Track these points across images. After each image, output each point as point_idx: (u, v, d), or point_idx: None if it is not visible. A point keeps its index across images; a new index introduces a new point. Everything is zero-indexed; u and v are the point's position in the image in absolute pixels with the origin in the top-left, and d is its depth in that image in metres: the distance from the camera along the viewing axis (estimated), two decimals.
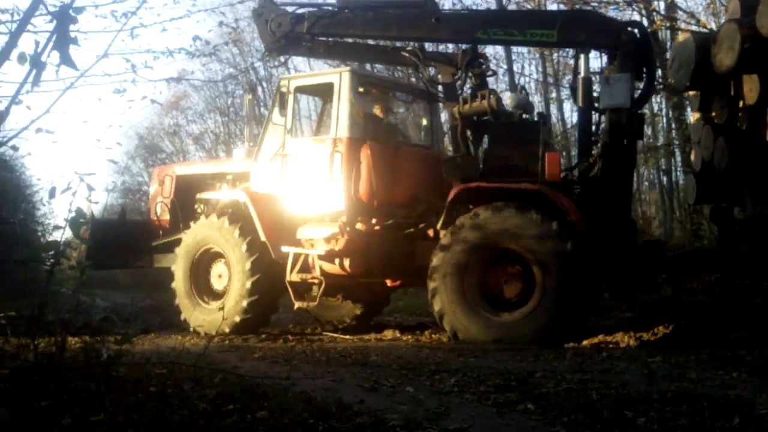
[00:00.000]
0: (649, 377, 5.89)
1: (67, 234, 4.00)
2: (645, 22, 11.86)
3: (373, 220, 9.36)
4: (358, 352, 7.67)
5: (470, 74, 9.48)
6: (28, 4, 2.51)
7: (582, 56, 8.82)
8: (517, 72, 20.15)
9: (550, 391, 5.25)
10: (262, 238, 9.54)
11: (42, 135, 4.27)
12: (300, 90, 10.22)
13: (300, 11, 9.78)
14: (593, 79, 9.13)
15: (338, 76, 9.65)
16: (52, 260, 3.64)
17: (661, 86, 11.89)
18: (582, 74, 8.78)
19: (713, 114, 8.87)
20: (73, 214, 3.53)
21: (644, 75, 8.72)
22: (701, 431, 4.07)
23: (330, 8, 9.65)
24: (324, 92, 10.21)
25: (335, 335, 10.00)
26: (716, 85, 8.65)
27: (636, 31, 8.71)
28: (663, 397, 4.87)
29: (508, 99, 9.22)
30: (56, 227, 4.03)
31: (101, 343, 3.90)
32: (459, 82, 9.74)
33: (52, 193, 3.39)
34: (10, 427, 3.03)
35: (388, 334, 9.87)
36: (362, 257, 9.33)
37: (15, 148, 3.43)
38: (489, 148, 8.98)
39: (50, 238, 4.06)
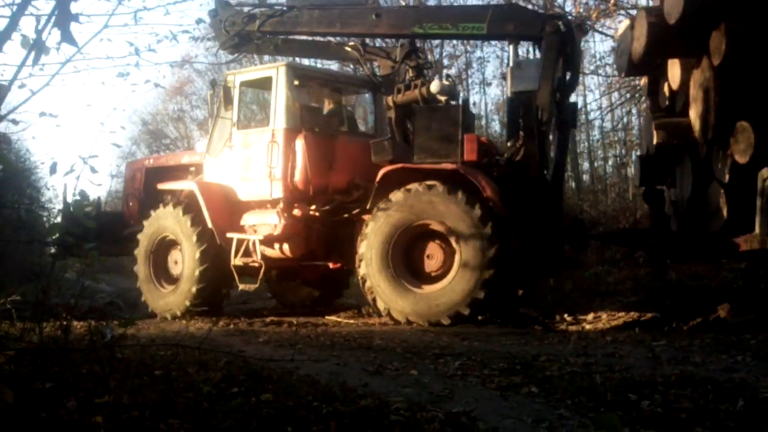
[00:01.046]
0: (654, 361, 5.89)
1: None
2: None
3: (312, 207, 9.95)
4: (362, 336, 7.69)
5: (407, 66, 10.07)
6: None
7: (511, 47, 9.35)
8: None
9: (554, 375, 5.26)
10: (209, 225, 10.15)
11: (46, 119, 4.27)
12: (244, 84, 10.78)
13: (253, 11, 10.31)
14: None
15: (276, 70, 10.23)
16: (55, 241, 3.64)
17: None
18: (511, 64, 9.23)
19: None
20: (77, 197, 3.53)
21: (569, 64, 9.14)
22: (705, 414, 4.06)
23: (279, 7, 10.17)
24: (265, 86, 10.79)
25: (339, 320, 10.03)
26: (660, 72, 8.92)
27: (560, 22, 9.10)
28: (667, 380, 4.87)
29: (432, 86, 9.63)
30: (60, 211, 4.04)
31: (105, 326, 3.90)
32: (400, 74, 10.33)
33: (53, 169, 3.39)
34: (14, 408, 3.04)
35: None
36: (300, 241, 9.97)
37: (15, 122, 3.43)
38: (416, 133, 9.38)
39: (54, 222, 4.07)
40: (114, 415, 3.46)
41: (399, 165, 9.07)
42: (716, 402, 4.28)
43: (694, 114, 8.06)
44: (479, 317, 8.90)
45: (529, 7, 12.24)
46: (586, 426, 3.98)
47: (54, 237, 3.67)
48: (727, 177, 7.68)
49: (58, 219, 3.96)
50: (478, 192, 8.62)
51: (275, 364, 5.30)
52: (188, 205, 10.40)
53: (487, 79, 21.83)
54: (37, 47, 2.11)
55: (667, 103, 8.87)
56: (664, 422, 3.99)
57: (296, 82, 10.29)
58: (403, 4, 10.54)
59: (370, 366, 5.79)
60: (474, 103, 19.59)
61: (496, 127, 21.36)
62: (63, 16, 2.03)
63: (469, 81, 21.01)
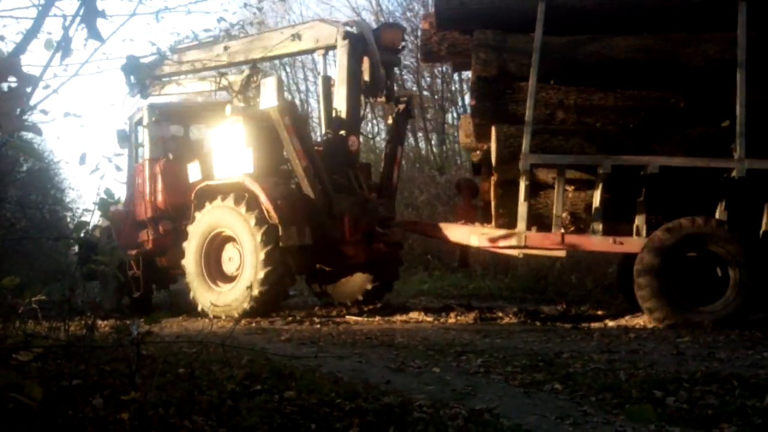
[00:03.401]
0: (678, 357, 5.85)
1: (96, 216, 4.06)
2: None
3: (173, 222, 11.41)
4: (384, 334, 7.70)
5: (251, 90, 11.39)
6: None
7: (320, 58, 10.92)
8: None
9: (578, 371, 5.23)
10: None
11: (70, 119, 4.32)
12: (136, 123, 12.34)
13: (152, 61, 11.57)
14: (331, 78, 10.79)
15: (142, 110, 12.05)
16: (80, 238, 3.68)
17: None
18: (321, 74, 10.73)
19: None
20: (102, 196, 3.56)
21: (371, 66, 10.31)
22: (732, 411, 4.03)
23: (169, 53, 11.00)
24: (141, 123, 12.32)
25: (360, 318, 10.04)
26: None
27: (353, 29, 10.29)
28: (692, 376, 4.83)
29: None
30: (86, 210, 4.09)
31: (131, 324, 3.94)
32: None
33: (82, 159, 3.44)
34: (42, 405, 3.07)
35: (414, 316, 9.89)
36: (169, 252, 11.34)
37: (45, 112, 3.48)
38: (214, 151, 10.75)
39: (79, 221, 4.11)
40: (140, 412, 3.48)
41: (204, 183, 10.56)
42: (742, 398, 4.24)
43: None
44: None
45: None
46: (610, 423, 3.96)
47: (79, 235, 3.71)
48: None
49: (83, 218, 4.01)
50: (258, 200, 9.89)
51: (298, 362, 5.32)
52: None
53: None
54: (63, 46, 2.13)
55: None
56: (690, 419, 3.96)
57: (154, 119, 11.88)
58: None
59: (392, 363, 5.79)
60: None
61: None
62: (89, 13, 2.05)
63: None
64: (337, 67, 10.33)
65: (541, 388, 4.82)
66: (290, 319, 9.62)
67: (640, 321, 8.52)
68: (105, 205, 3.59)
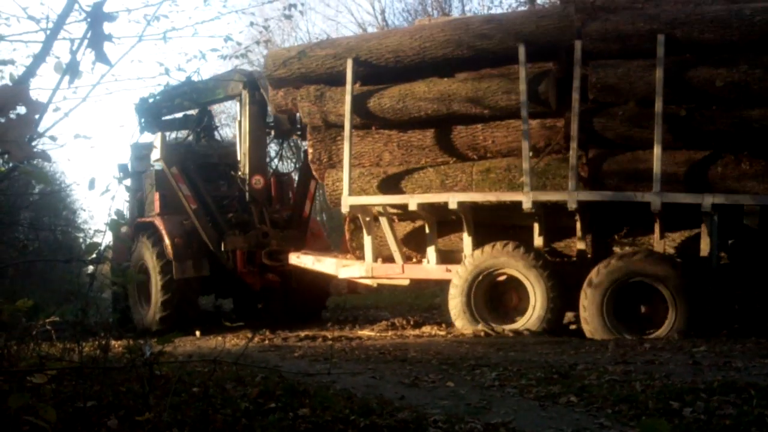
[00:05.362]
0: (694, 367, 5.80)
1: (108, 237, 4.08)
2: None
3: None
4: (397, 349, 7.67)
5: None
6: (60, 9, 2.55)
7: (237, 105, 12.49)
8: None
9: (593, 383, 5.19)
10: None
11: (81, 141, 4.35)
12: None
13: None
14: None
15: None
16: (93, 259, 3.70)
17: None
18: (237, 119, 12.54)
19: None
20: (113, 217, 3.58)
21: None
22: (750, 420, 3.98)
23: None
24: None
25: (372, 333, 10.02)
26: None
27: (244, 80, 11.71)
28: (709, 386, 4.78)
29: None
30: (97, 231, 4.12)
31: (144, 344, 3.94)
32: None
33: (91, 184, 3.46)
34: (57, 427, 3.08)
35: (427, 330, 9.86)
36: None
37: (53, 138, 3.51)
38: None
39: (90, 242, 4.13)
40: None
41: (139, 219, 12.37)
42: (760, 408, 4.19)
43: None
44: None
45: None
46: None
47: (91, 257, 3.73)
48: None
49: (95, 239, 4.04)
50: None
51: (311, 379, 5.30)
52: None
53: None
54: (71, 69, 2.15)
55: None
56: (708, 429, 3.92)
57: (137, 156, 13.23)
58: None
59: (406, 378, 5.77)
60: None
61: None
62: (96, 37, 2.07)
63: None
64: (240, 114, 12.01)
65: (556, 401, 4.79)
66: (303, 335, 9.62)
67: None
68: (116, 225, 3.61)
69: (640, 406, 4.44)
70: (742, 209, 8.17)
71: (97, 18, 2.05)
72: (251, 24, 10.07)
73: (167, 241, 11.23)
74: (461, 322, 9.04)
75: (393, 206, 9.62)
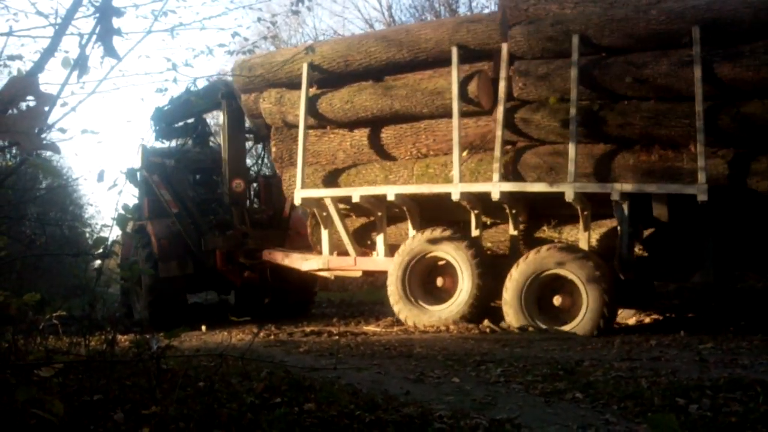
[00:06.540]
0: (701, 364, 5.79)
1: (115, 231, 4.10)
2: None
3: None
4: (403, 345, 7.68)
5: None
6: (68, 3, 2.56)
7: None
8: None
9: (599, 380, 5.19)
10: None
11: (88, 136, 4.36)
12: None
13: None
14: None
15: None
16: (100, 254, 3.72)
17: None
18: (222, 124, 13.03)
19: None
20: (120, 212, 3.59)
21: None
22: (756, 418, 3.97)
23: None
24: None
25: (378, 329, 10.04)
26: None
27: (222, 90, 12.41)
28: (715, 383, 4.77)
29: None
30: (104, 225, 4.15)
31: (151, 338, 3.96)
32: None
33: (100, 177, 3.48)
34: (64, 420, 3.09)
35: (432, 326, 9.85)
36: None
37: (63, 131, 3.53)
38: None
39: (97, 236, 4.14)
40: (160, 426, 3.49)
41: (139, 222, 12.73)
42: (767, 405, 4.18)
43: None
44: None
45: None
46: None
47: (99, 251, 3.74)
48: None
49: (102, 233, 4.08)
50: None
51: (317, 374, 5.31)
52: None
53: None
54: (80, 64, 2.16)
55: None
56: (714, 426, 3.91)
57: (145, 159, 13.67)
58: None
59: (411, 374, 5.77)
60: None
61: None
62: (105, 31, 2.08)
63: None
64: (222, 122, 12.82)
65: (562, 397, 4.79)
66: (308, 331, 9.64)
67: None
68: (123, 220, 3.62)
69: (646, 402, 4.43)
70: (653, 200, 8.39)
71: (105, 12, 2.05)
72: (258, 20, 10.14)
73: (154, 241, 12.05)
74: (397, 307, 9.76)
75: (339, 199, 10.33)
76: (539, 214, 9.58)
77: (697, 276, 8.45)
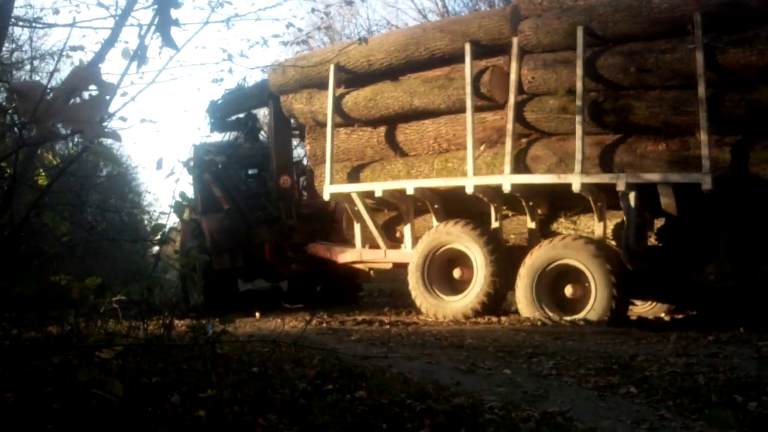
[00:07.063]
0: (760, 361, 5.64)
1: (172, 219, 4.19)
2: None
3: None
4: (453, 335, 7.67)
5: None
6: None
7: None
8: None
9: (654, 375, 5.10)
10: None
11: (146, 125, 4.45)
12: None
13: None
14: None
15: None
16: (158, 240, 3.80)
17: None
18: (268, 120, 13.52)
19: None
20: (177, 199, 3.67)
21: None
22: None
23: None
24: None
25: (429, 319, 10.04)
26: None
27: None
28: None
29: None
30: (162, 213, 4.24)
31: (207, 323, 4.04)
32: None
33: (159, 164, 3.56)
34: (123, 401, 3.18)
35: (483, 317, 9.81)
36: None
37: (124, 119, 3.63)
38: None
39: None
40: (215, 409, 3.57)
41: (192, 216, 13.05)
42: None
43: None
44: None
45: None
46: (689, 428, 3.85)
47: (156, 238, 3.83)
48: None
49: (160, 220, 4.17)
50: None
51: (368, 362, 5.35)
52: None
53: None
54: (140, 54, 2.21)
55: None
56: None
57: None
58: None
59: (462, 365, 5.76)
60: None
61: None
62: (164, 22, 2.12)
63: None
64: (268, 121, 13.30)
65: (615, 392, 4.72)
66: (360, 320, 9.70)
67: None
68: (180, 208, 3.69)
69: (703, 399, 4.35)
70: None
71: (164, 3, 2.09)
72: (312, 10, 10.20)
73: (207, 236, 12.61)
74: (416, 297, 10.06)
75: (365, 194, 10.63)
76: (557, 206, 9.65)
77: (712, 267, 8.41)
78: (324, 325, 9.25)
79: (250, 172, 14.24)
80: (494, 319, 9.23)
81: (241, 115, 14.19)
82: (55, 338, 4.53)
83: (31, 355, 4.01)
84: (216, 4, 5.78)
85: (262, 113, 16.40)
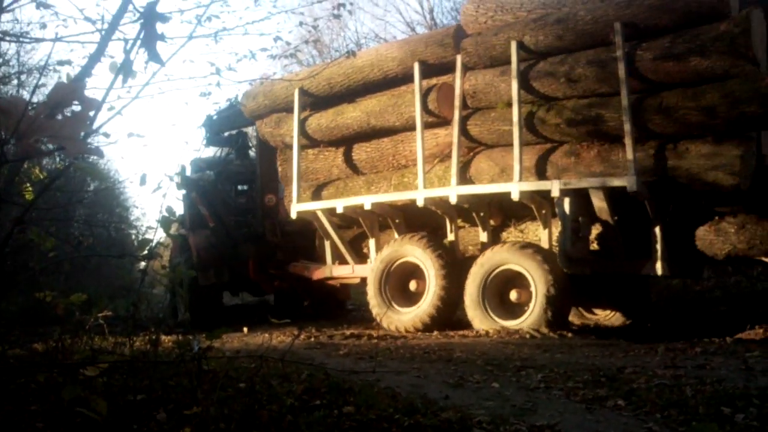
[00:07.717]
0: (747, 372, 5.65)
1: (159, 234, 4.17)
2: None
3: None
4: (442, 349, 7.65)
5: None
6: (115, 9, 2.61)
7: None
8: None
9: (642, 387, 5.11)
10: None
11: (133, 139, 4.44)
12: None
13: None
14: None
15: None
16: (144, 255, 3.78)
17: None
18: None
19: None
20: (164, 214, 3.65)
21: None
22: None
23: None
24: None
25: (418, 333, 10.02)
26: None
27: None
28: (763, 392, 4.66)
29: None
30: (149, 227, 4.22)
31: (193, 339, 4.01)
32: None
33: (143, 180, 3.56)
34: (108, 419, 3.15)
35: (472, 330, 9.81)
36: None
37: (106, 135, 3.61)
38: None
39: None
40: (202, 426, 3.54)
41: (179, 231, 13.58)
42: None
43: None
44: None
45: None
46: None
47: (144, 253, 3.81)
48: None
49: (147, 235, 4.15)
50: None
51: (356, 377, 5.33)
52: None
53: None
54: (125, 68, 2.21)
55: None
56: None
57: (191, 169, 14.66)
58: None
59: (450, 378, 5.75)
60: None
61: None
62: (149, 36, 2.12)
63: None
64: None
65: (603, 404, 4.72)
66: (348, 333, 9.67)
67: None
68: (167, 222, 3.68)
69: (691, 411, 4.35)
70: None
71: (150, 18, 2.09)
72: (300, 24, 10.22)
73: (194, 252, 12.97)
74: (374, 308, 10.37)
75: (329, 211, 11.07)
76: (509, 216, 10.04)
77: (647, 268, 8.60)
78: (312, 339, 9.22)
79: (240, 188, 14.51)
80: (482, 332, 9.22)
81: (233, 132, 14.54)
82: (40, 355, 4.49)
83: (15, 373, 3.97)
84: (203, 18, 5.78)
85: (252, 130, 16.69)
